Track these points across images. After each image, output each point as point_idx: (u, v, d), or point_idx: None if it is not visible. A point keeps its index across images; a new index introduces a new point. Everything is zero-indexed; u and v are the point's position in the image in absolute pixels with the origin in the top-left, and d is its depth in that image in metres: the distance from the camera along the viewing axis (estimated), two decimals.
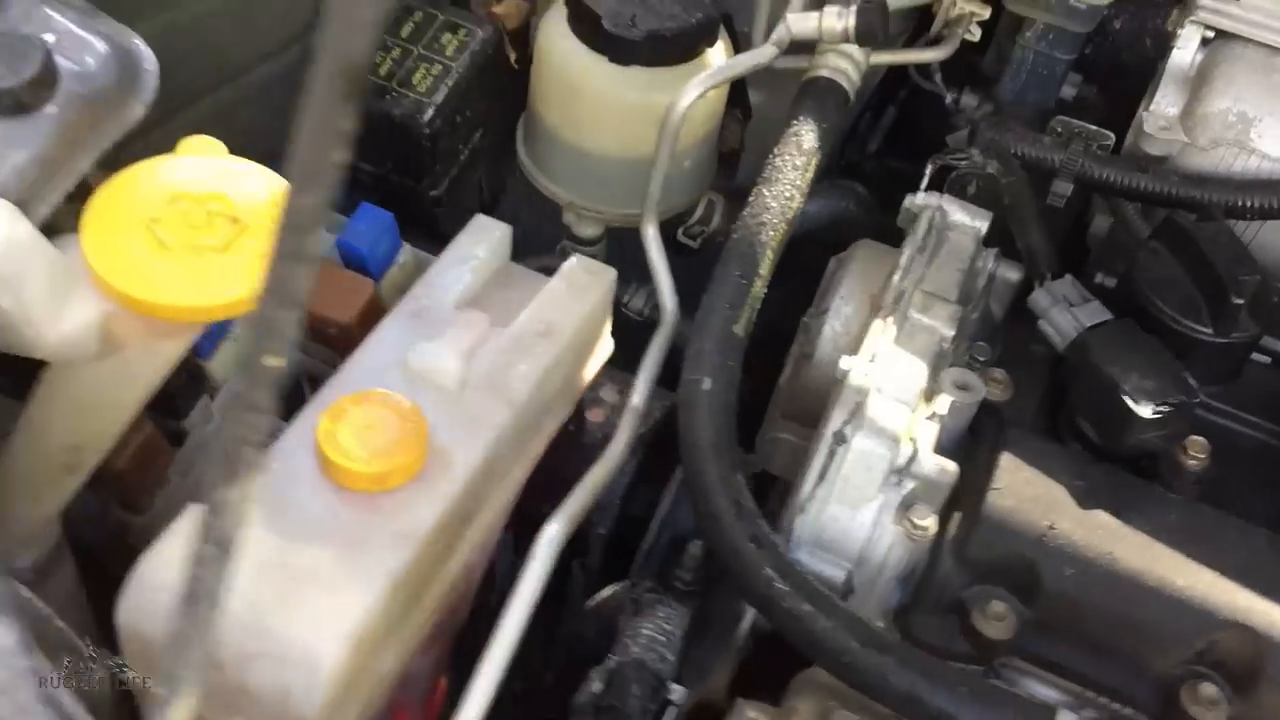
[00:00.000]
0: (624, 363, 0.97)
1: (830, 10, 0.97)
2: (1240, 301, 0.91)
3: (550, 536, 0.72)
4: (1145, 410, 0.87)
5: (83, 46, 0.62)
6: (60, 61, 0.60)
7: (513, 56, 1.08)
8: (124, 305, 0.59)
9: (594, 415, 1.03)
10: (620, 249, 1.13)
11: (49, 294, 0.57)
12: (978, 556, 0.85)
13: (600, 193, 1.03)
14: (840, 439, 0.85)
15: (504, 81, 1.07)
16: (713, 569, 1.03)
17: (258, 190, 0.66)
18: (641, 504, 1.05)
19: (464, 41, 1.01)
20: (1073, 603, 0.84)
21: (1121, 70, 1.20)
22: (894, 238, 1.10)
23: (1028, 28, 1.20)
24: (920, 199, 1.05)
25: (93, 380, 0.63)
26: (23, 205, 0.57)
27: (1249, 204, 1.00)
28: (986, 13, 1.15)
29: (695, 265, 1.08)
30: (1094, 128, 1.08)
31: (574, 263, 0.90)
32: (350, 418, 0.75)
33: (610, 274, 0.90)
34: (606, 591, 0.87)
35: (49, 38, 0.61)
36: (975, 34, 1.16)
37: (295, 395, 1.03)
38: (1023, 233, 1.00)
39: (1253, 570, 0.83)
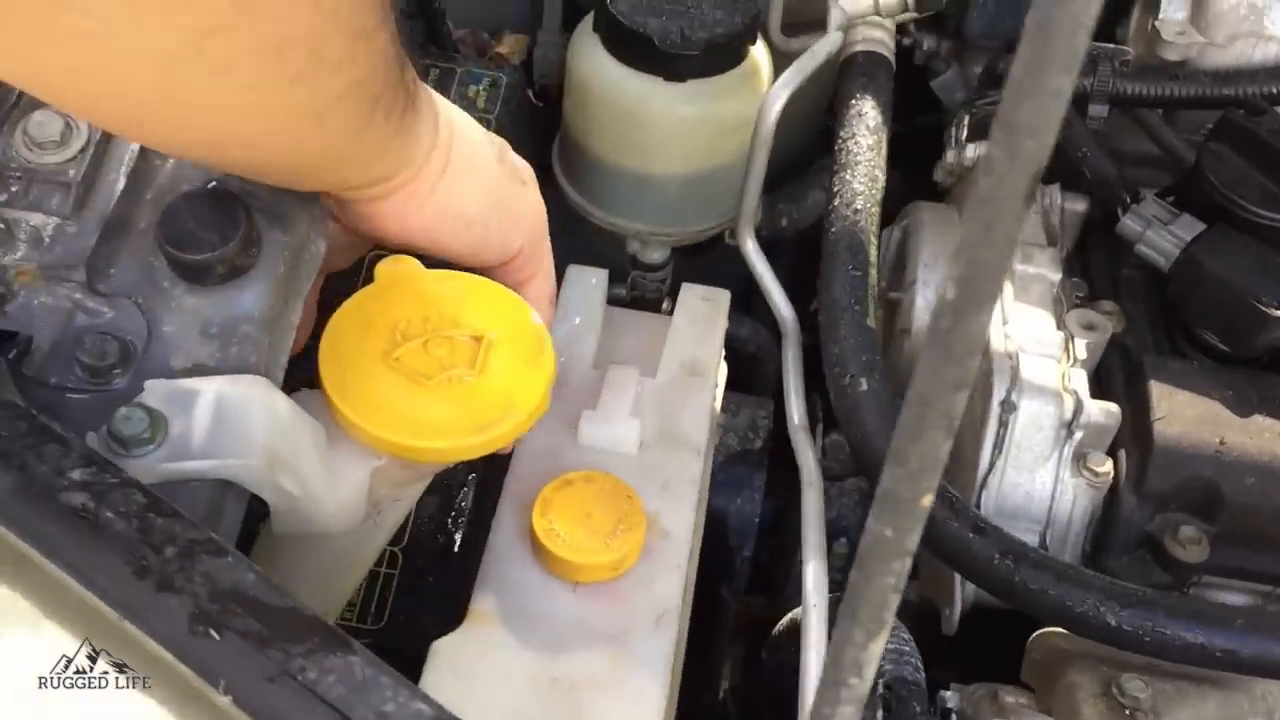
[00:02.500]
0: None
1: None
2: None
3: (816, 579, 0.70)
4: (1276, 309, 0.88)
5: (256, 188, 0.56)
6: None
7: (530, 93, 1.04)
8: (396, 456, 0.54)
9: None
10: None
11: (322, 465, 0.51)
12: (1158, 488, 0.86)
13: (668, 215, 0.99)
14: (1010, 407, 0.85)
15: (529, 122, 1.03)
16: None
17: (485, 300, 0.61)
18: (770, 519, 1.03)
19: (492, 90, 0.96)
20: (1256, 510, 0.86)
21: None
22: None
23: None
24: (970, 151, 1.04)
25: (344, 541, 0.57)
26: (266, 376, 0.52)
27: None
28: None
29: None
30: (1112, 46, 1.09)
31: (690, 293, 0.87)
32: (560, 509, 0.71)
33: (725, 296, 0.87)
34: (787, 620, 0.85)
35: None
36: None
37: None
38: (1085, 162, 1.01)
39: None
